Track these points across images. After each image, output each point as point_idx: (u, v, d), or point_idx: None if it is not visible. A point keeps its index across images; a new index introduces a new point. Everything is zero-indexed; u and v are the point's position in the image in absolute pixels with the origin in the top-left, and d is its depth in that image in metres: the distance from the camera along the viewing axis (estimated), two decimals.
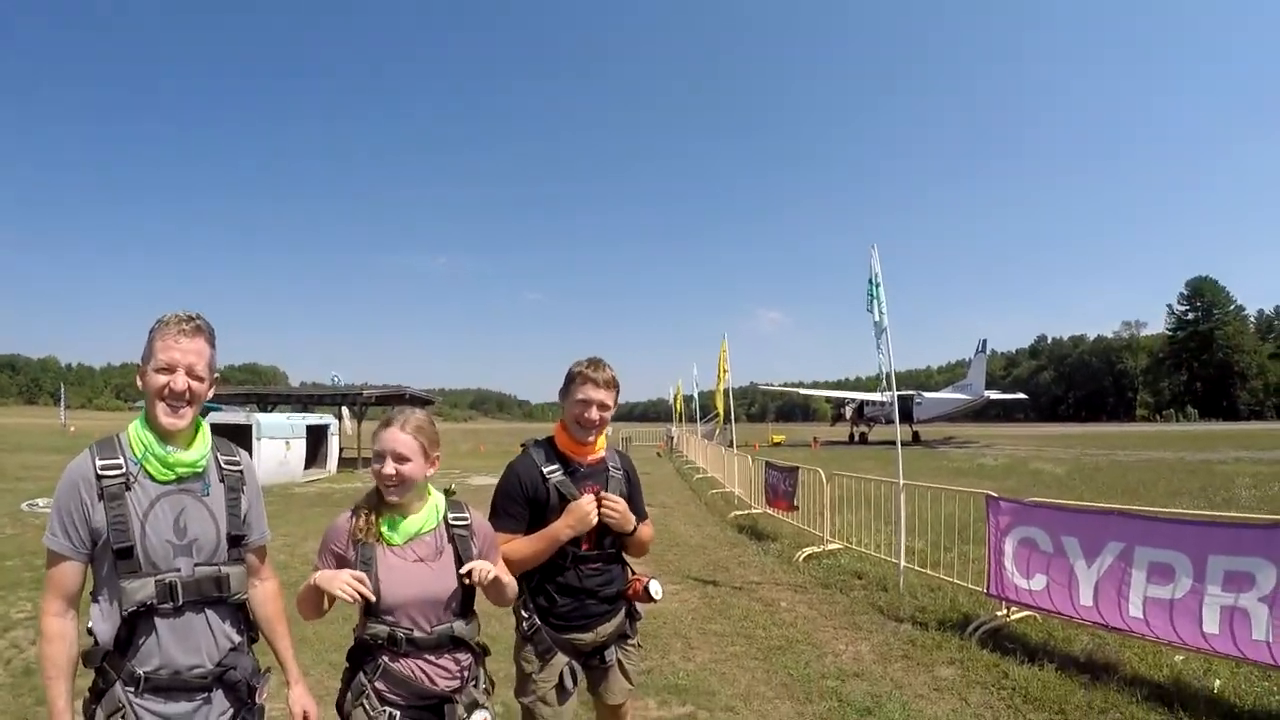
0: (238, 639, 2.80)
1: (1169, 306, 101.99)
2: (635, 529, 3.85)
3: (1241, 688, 5.45)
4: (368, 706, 2.94)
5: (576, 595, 3.80)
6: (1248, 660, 5.11)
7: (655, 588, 3.93)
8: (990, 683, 6.10)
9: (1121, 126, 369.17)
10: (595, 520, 3.64)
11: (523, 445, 3.93)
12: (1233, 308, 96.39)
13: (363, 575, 2.86)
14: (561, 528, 3.61)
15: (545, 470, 3.73)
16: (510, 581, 3.27)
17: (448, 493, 3.28)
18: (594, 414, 3.72)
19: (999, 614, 7.35)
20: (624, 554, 4.05)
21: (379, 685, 2.97)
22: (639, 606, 4.13)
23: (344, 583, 2.81)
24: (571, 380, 3.76)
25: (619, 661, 4.04)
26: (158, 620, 2.54)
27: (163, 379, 2.55)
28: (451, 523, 3.19)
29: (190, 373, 2.59)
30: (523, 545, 3.65)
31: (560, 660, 3.79)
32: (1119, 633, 6.04)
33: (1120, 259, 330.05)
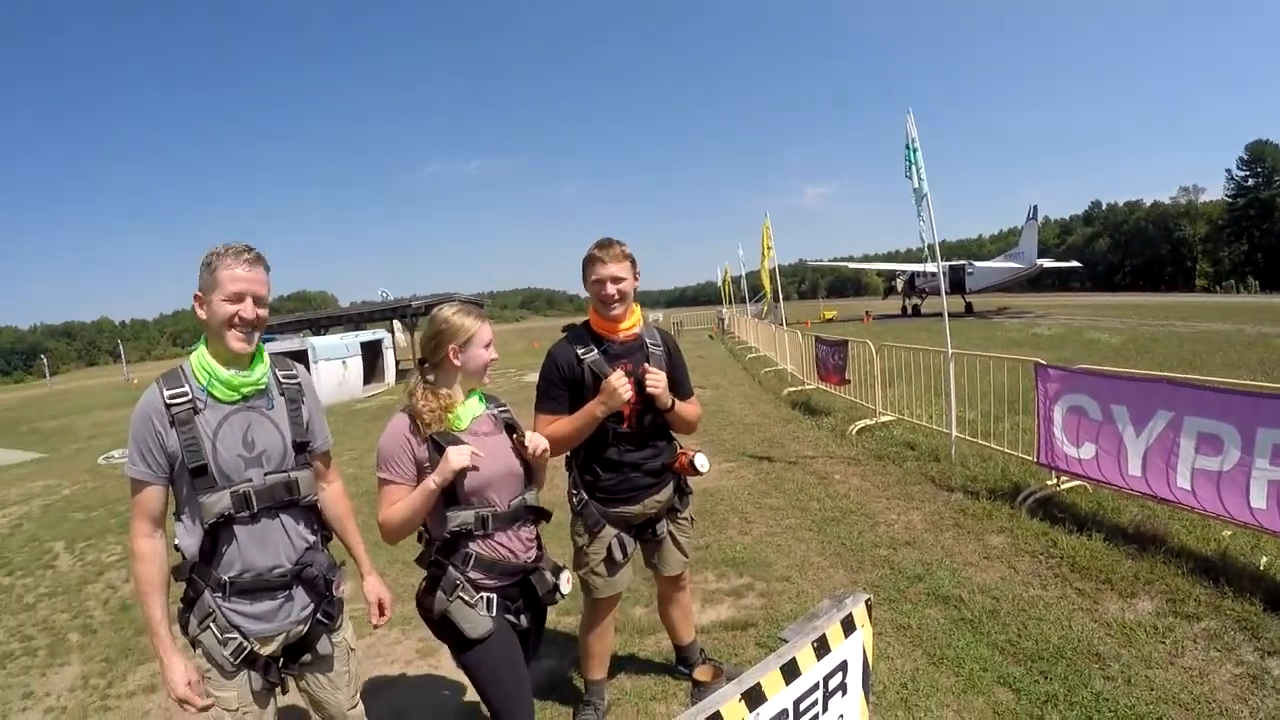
0: (312, 538, 3.03)
1: (1228, 171, 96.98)
2: (673, 404, 3.98)
3: None
4: (465, 597, 3.13)
5: (620, 469, 3.99)
6: None
7: (701, 460, 4.09)
8: (1039, 551, 6.22)
9: None
10: (628, 395, 3.75)
11: (563, 330, 4.07)
12: None
13: (468, 446, 3.05)
14: (595, 405, 3.76)
15: (579, 352, 3.88)
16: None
17: None
18: (610, 289, 3.83)
19: (1049, 483, 7.43)
20: (670, 431, 4.20)
21: (472, 574, 3.16)
22: (687, 480, 4.32)
23: (460, 455, 3.00)
24: (586, 265, 3.90)
25: (671, 534, 4.26)
26: (236, 528, 2.77)
27: (232, 308, 2.72)
28: (496, 409, 3.42)
29: (256, 300, 2.77)
30: (564, 424, 3.82)
31: (609, 533, 4.03)
32: (1167, 504, 6.06)
33: (1176, 120, 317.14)
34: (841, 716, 2.36)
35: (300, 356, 23.19)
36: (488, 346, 3.22)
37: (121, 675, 5.74)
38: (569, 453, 4.05)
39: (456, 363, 3.21)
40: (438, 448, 3.07)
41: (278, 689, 3.02)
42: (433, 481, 3.01)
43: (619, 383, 3.72)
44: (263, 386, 2.89)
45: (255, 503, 2.78)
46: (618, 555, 4.06)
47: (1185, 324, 29.07)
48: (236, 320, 2.73)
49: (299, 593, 2.94)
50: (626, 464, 4.01)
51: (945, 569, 6.08)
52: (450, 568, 3.15)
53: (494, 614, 3.18)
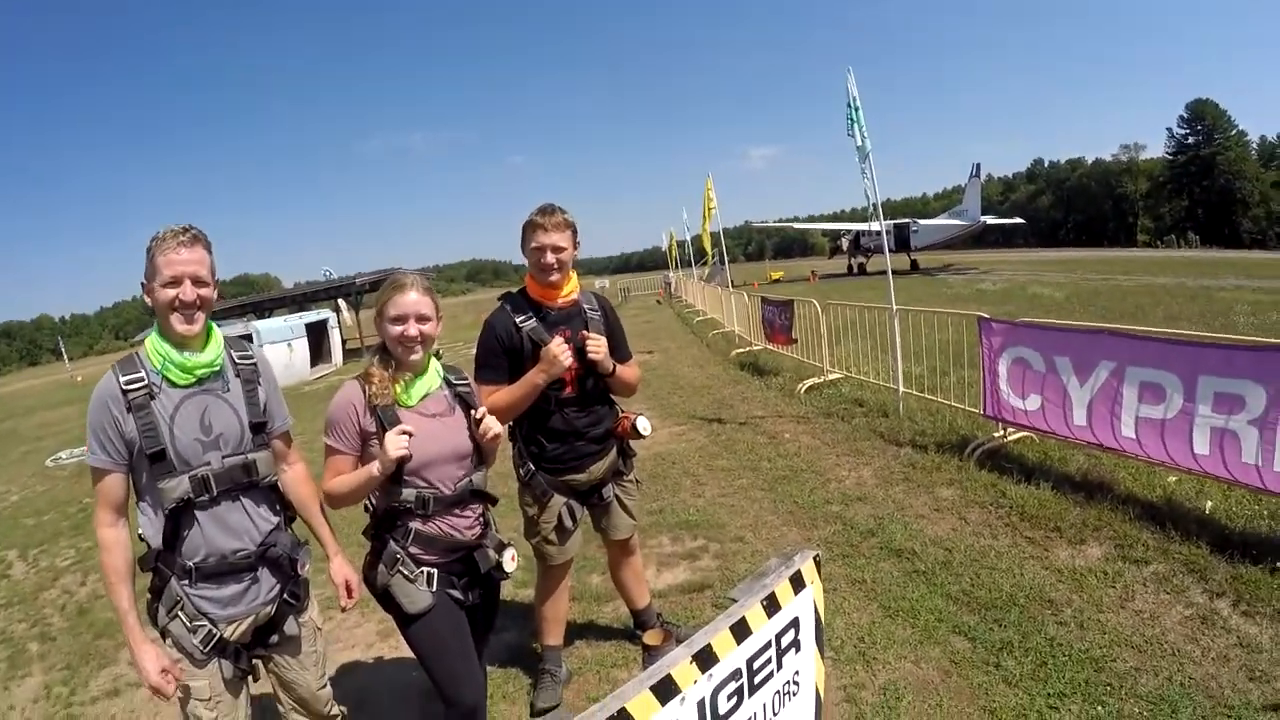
0: (275, 519, 2.99)
1: (1169, 129, 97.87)
2: (614, 369, 3.96)
3: (1233, 509, 5.53)
4: (405, 571, 3.09)
5: (565, 438, 3.98)
6: (1238, 483, 5.15)
7: (643, 424, 4.11)
8: (988, 502, 6.29)
9: None
10: (569, 362, 3.74)
11: (499, 299, 4.02)
12: (1234, 132, 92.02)
13: (405, 428, 2.95)
14: (537, 373, 3.73)
15: (518, 320, 3.84)
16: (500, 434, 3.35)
17: (436, 355, 3.36)
18: (550, 258, 3.78)
19: (996, 435, 7.51)
20: (611, 395, 4.19)
21: (412, 549, 3.11)
22: (631, 444, 4.32)
23: (396, 446, 2.91)
24: (526, 230, 3.83)
25: (617, 498, 4.26)
26: (198, 513, 2.73)
27: (171, 292, 2.68)
28: (455, 383, 3.30)
29: (196, 281, 2.72)
30: (505, 394, 3.78)
31: (557, 501, 4.03)
32: (1112, 452, 6.15)
33: (1118, 78, 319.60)
34: (796, 673, 2.34)
35: (245, 341, 22.25)
36: (398, 320, 3.04)
37: (84, 682, 5.61)
38: (513, 423, 4.02)
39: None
40: (381, 424, 3.00)
41: (249, 677, 2.99)
42: (375, 469, 2.96)
43: (559, 349, 3.70)
44: (217, 368, 2.86)
45: (214, 486, 2.75)
46: (568, 522, 4.08)
47: (1127, 278, 29.56)
48: (177, 304, 2.69)
49: (264, 574, 2.92)
50: (571, 432, 4.00)
51: (897, 522, 6.12)
52: (391, 541, 3.11)
53: (434, 589, 3.13)
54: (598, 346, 3.84)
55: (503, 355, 3.84)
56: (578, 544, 4.25)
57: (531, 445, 4.04)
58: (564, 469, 4.04)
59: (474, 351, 3.95)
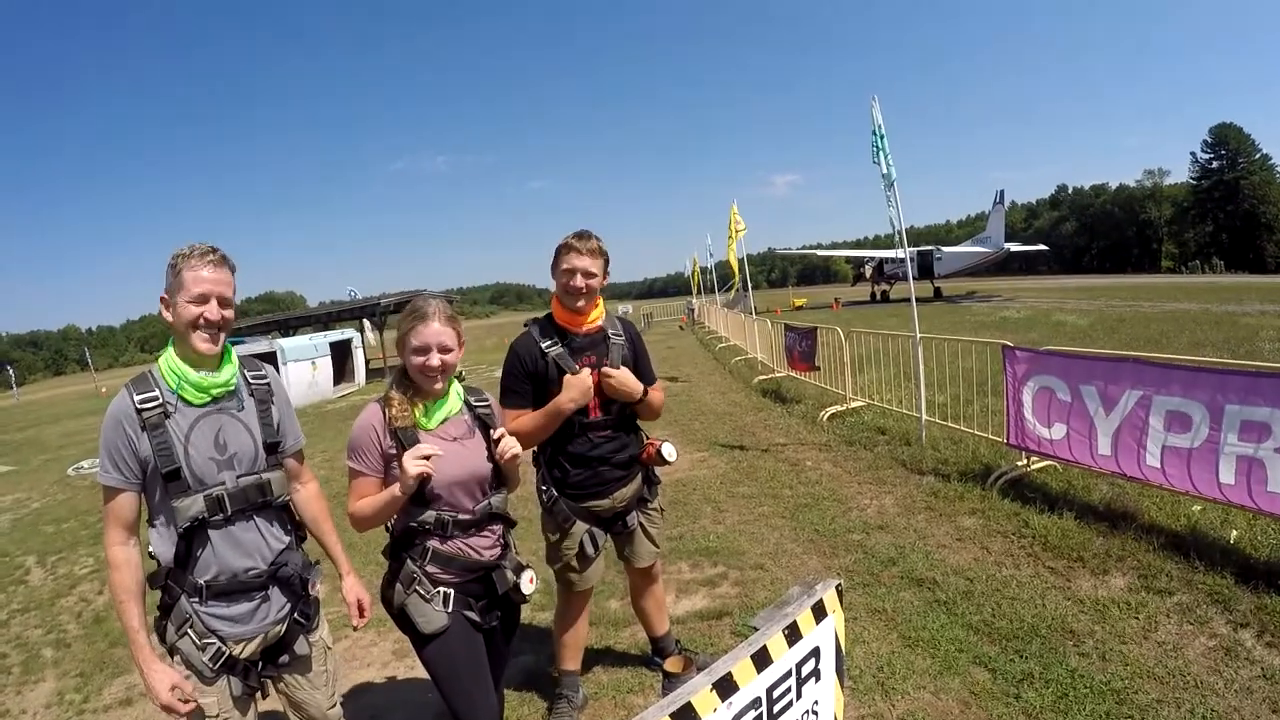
0: (286, 539, 3.00)
1: (1192, 154, 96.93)
2: (643, 395, 3.97)
3: (1258, 539, 5.47)
4: (422, 591, 3.10)
5: (589, 464, 3.98)
6: (1263, 512, 5.11)
7: (669, 450, 4.09)
8: (1011, 531, 6.25)
9: None
10: (592, 393, 3.76)
11: (525, 325, 4.03)
12: (1258, 156, 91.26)
13: (424, 448, 2.96)
14: (563, 401, 3.75)
15: (543, 345, 3.85)
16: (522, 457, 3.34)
17: (458, 378, 3.38)
18: (579, 281, 3.80)
19: (1019, 464, 7.46)
20: (637, 419, 4.19)
21: (430, 569, 3.12)
22: (655, 471, 4.32)
23: (414, 464, 2.91)
24: (558, 252, 3.85)
25: (641, 526, 4.25)
26: (211, 532, 2.73)
27: (196, 310, 2.68)
28: (475, 405, 3.32)
29: (221, 301, 2.73)
30: (529, 420, 3.80)
31: (580, 528, 4.02)
32: (1137, 482, 6.09)
33: (1141, 104, 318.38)
34: (816, 703, 2.34)
35: (269, 358, 22.83)
36: (420, 351, 3.07)
37: (97, 689, 5.66)
38: (537, 448, 4.03)
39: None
40: (402, 445, 3.02)
41: (257, 694, 2.98)
42: (397, 490, 2.97)
43: (587, 379, 3.76)
44: (232, 388, 2.85)
45: (229, 505, 2.75)
46: (590, 550, 4.06)
47: (1152, 304, 29.32)
48: (201, 321, 2.70)
49: (275, 593, 2.92)
50: (595, 458, 4.00)
51: (918, 552, 6.09)
52: (408, 560, 3.13)
53: (450, 610, 3.14)
54: (611, 381, 3.85)
55: (527, 380, 3.86)
56: (600, 571, 4.24)
57: (555, 470, 4.03)
58: (587, 495, 4.03)
59: (498, 374, 3.98)
